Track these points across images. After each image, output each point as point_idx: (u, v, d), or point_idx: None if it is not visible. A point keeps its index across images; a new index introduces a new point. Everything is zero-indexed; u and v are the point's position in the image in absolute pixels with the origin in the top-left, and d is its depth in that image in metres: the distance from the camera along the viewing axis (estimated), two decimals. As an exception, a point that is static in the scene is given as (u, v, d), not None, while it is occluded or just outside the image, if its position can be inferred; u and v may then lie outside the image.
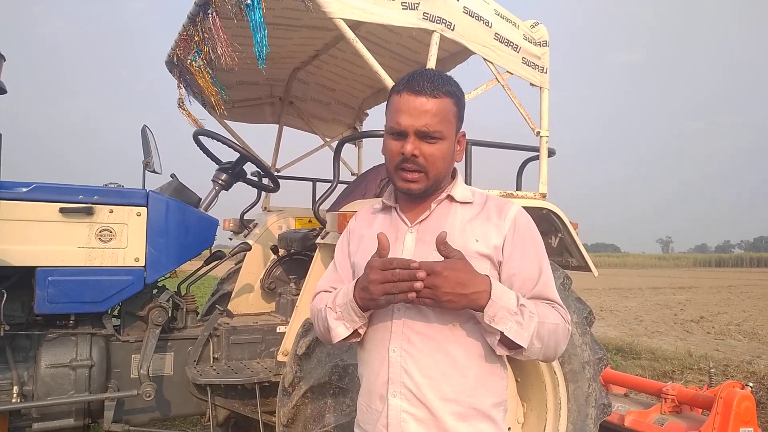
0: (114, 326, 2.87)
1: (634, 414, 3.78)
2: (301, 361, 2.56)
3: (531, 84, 3.17)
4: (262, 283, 4.02)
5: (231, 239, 4.46)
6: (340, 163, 3.15)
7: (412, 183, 1.39)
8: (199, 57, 2.80)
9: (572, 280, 3.06)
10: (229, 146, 3.23)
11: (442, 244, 1.25)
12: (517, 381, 3.07)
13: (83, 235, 2.65)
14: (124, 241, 2.73)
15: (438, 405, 1.33)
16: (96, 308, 2.71)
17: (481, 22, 2.81)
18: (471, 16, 2.76)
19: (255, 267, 4.07)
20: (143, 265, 2.77)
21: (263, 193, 4.27)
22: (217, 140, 3.23)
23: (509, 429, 2.99)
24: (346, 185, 3.90)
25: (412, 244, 1.41)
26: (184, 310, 3.12)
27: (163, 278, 2.95)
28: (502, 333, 1.25)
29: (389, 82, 2.57)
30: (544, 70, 3.19)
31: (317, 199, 3.20)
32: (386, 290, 1.24)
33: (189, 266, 3.20)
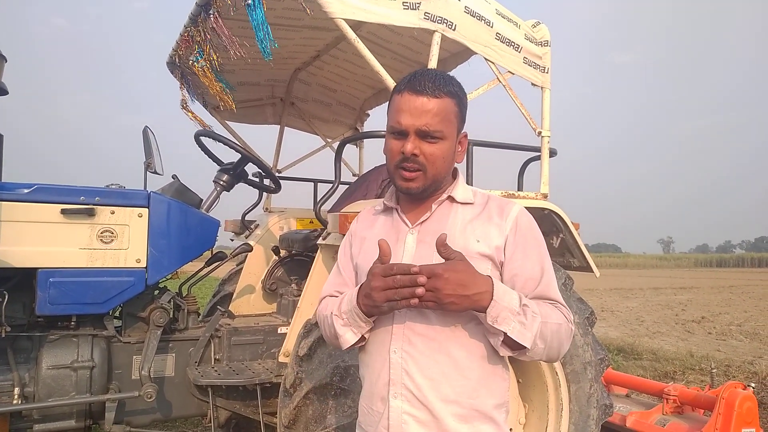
0: (115, 327, 2.87)
1: (635, 415, 3.78)
2: (302, 362, 2.55)
3: (532, 84, 3.17)
4: (263, 284, 4.02)
5: (232, 240, 4.46)
6: (342, 163, 3.15)
7: (410, 182, 1.38)
8: (201, 57, 2.80)
9: (574, 281, 3.05)
10: (230, 147, 3.23)
11: (442, 246, 1.25)
12: (518, 382, 3.07)
13: (84, 237, 2.65)
14: (125, 243, 2.73)
15: (439, 406, 1.32)
16: (97, 309, 2.71)
17: (483, 22, 2.81)
18: (472, 15, 2.76)
19: (256, 268, 4.07)
20: (144, 266, 2.77)
21: (264, 194, 4.27)
22: (219, 141, 3.23)
23: (510, 430, 2.98)
24: (348, 186, 3.90)
25: (413, 245, 1.41)
26: (186, 311, 3.12)
27: (164, 279, 2.94)
28: (505, 334, 1.24)
29: (390, 83, 2.57)
30: (546, 70, 3.19)
31: (318, 199, 3.19)
32: (388, 297, 1.24)
33: (190, 267, 3.20)
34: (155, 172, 3.13)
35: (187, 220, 2.95)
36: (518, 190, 3.29)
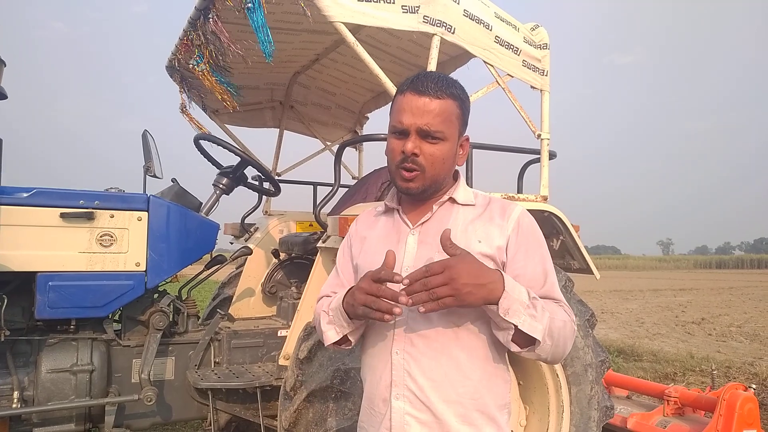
0: (115, 331, 2.87)
1: (636, 416, 3.77)
2: (302, 365, 2.55)
3: (531, 87, 3.17)
4: (263, 287, 4.02)
5: (232, 243, 4.46)
6: (341, 166, 3.15)
7: (410, 182, 1.39)
8: (202, 61, 2.80)
9: (574, 283, 3.05)
10: (229, 150, 3.23)
11: (447, 242, 1.25)
12: (519, 384, 3.07)
13: (84, 240, 2.65)
14: (124, 246, 2.73)
15: (442, 408, 1.32)
16: (97, 313, 2.71)
17: (482, 25, 2.81)
18: (471, 19, 2.76)
19: (256, 271, 4.07)
20: (144, 269, 2.77)
21: (264, 197, 4.27)
22: (218, 144, 3.23)
23: (511, 432, 2.98)
24: (347, 189, 3.90)
25: (414, 245, 1.41)
26: (185, 314, 3.12)
27: (164, 283, 2.94)
28: (515, 328, 1.23)
29: (390, 86, 2.57)
30: (545, 73, 3.19)
31: (318, 202, 3.19)
32: (366, 302, 1.25)
33: (190, 270, 3.20)
34: (155, 176, 3.13)
35: (187, 223, 2.95)
36: (518, 192, 3.29)
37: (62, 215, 2.60)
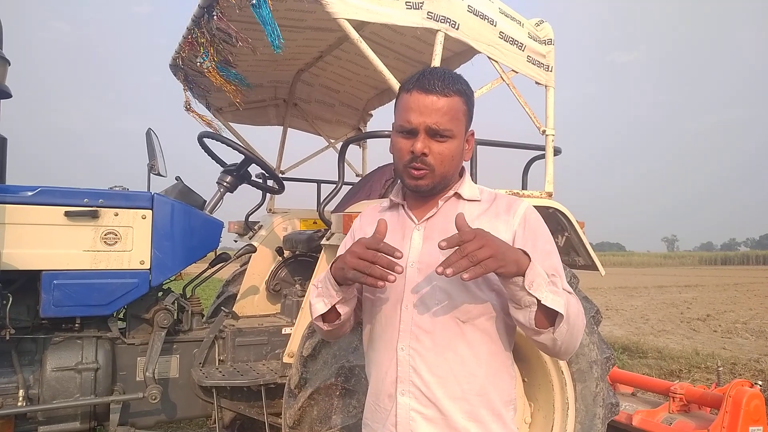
0: (119, 329, 2.87)
1: (642, 413, 3.76)
2: (307, 362, 2.55)
3: (536, 83, 3.16)
4: (267, 284, 4.02)
5: (236, 241, 4.46)
6: (345, 164, 3.14)
7: (420, 180, 1.37)
8: (207, 58, 2.80)
9: (579, 279, 3.04)
10: (233, 148, 3.23)
11: (463, 221, 1.23)
12: (524, 381, 3.06)
13: (88, 239, 2.65)
14: (129, 244, 2.73)
15: (447, 404, 1.32)
16: (101, 311, 2.71)
17: (486, 20, 2.80)
18: (475, 14, 2.75)
19: (260, 269, 4.06)
20: (148, 267, 2.77)
21: (268, 194, 4.27)
22: (222, 143, 3.23)
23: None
24: (351, 186, 3.90)
25: (419, 241, 1.41)
26: (190, 312, 3.12)
27: (168, 281, 2.95)
28: (537, 305, 1.20)
29: (394, 83, 2.56)
30: (550, 69, 3.18)
31: (322, 200, 3.19)
32: (358, 266, 1.23)
33: (194, 268, 3.20)
34: (159, 174, 3.13)
35: (191, 221, 2.95)
36: (523, 188, 3.28)
37: (67, 214, 2.61)
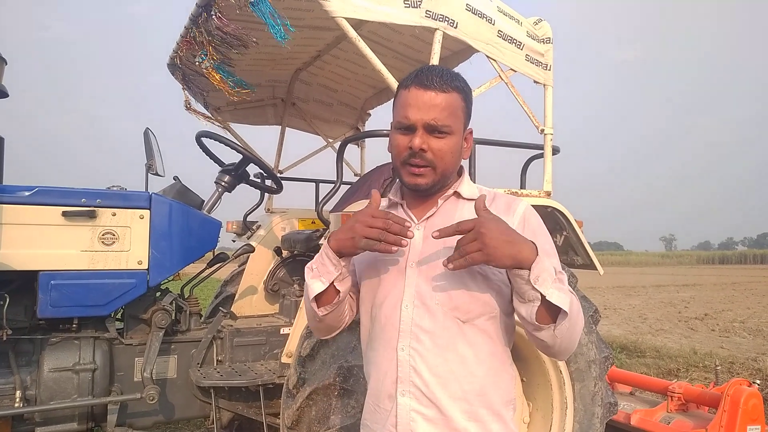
0: (117, 329, 2.86)
1: (640, 412, 3.76)
2: (305, 362, 2.54)
3: (535, 81, 3.15)
4: (265, 284, 4.01)
5: (234, 241, 4.45)
6: (343, 163, 3.13)
7: (419, 177, 1.37)
8: (206, 58, 2.79)
9: (578, 279, 3.04)
10: (231, 148, 3.22)
11: (482, 204, 1.24)
12: (522, 380, 3.06)
13: (86, 239, 2.64)
14: (127, 244, 2.72)
15: (448, 404, 1.31)
16: (99, 312, 2.70)
17: (484, 19, 2.80)
18: (474, 13, 2.74)
19: (258, 269, 4.06)
20: (146, 267, 2.76)
21: (266, 194, 4.26)
22: (220, 142, 3.22)
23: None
24: (350, 186, 3.89)
25: (419, 240, 1.40)
26: (188, 312, 3.11)
27: (166, 281, 2.94)
28: (541, 300, 1.20)
29: (392, 82, 2.55)
30: (548, 67, 3.17)
31: (320, 200, 3.18)
32: (370, 234, 1.25)
33: (192, 269, 3.19)
34: (156, 174, 3.13)
35: (189, 221, 2.94)
36: (521, 187, 3.28)
37: (64, 214, 2.59)
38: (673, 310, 13.93)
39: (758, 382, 3.82)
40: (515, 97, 3.02)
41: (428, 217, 1.42)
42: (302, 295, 2.97)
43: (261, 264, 4.07)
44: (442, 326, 1.33)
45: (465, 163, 1.53)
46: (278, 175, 4.26)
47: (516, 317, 1.33)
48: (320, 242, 2.91)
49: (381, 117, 5.15)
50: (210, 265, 3.30)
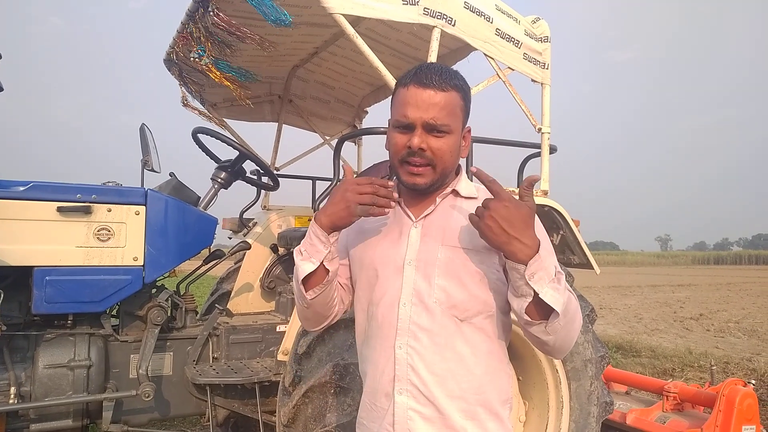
0: (112, 326, 2.85)
1: (636, 412, 3.76)
2: (301, 360, 2.54)
3: (532, 80, 3.15)
4: (261, 282, 4.00)
5: (230, 238, 4.44)
6: (340, 161, 3.13)
7: (418, 177, 1.36)
8: (204, 54, 2.78)
9: (574, 278, 3.04)
10: (228, 144, 3.21)
11: (530, 185, 1.24)
12: (519, 379, 3.05)
13: (81, 235, 2.62)
14: (122, 241, 2.71)
15: (445, 402, 1.31)
16: (94, 308, 2.69)
17: (482, 17, 2.79)
18: (472, 11, 2.74)
19: (255, 266, 4.04)
20: (142, 264, 2.75)
21: (263, 191, 4.24)
22: (217, 138, 3.21)
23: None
24: (346, 183, 3.87)
25: (417, 238, 1.39)
26: (184, 309, 3.10)
27: (162, 277, 2.92)
28: (533, 297, 1.20)
29: (389, 79, 2.55)
30: (546, 66, 3.17)
31: (317, 197, 3.18)
32: (363, 199, 1.29)
33: (188, 265, 3.18)
34: (152, 170, 3.11)
35: (185, 217, 2.93)
36: (518, 186, 3.27)
37: (59, 209, 2.58)
38: (669, 310, 13.97)
39: (753, 382, 3.83)
40: (513, 96, 3.01)
41: (426, 215, 1.42)
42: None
43: (257, 261, 4.06)
44: (440, 324, 1.32)
45: (462, 160, 1.53)
46: (275, 172, 4.25)
47: (513, 314, 1.33)
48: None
49: (378, 114, 5.14)
50: (206, 262, 3.29)
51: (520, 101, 3.04)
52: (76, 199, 2.62)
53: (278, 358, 2.85)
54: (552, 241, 3.15)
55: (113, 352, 2.82)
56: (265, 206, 4.48)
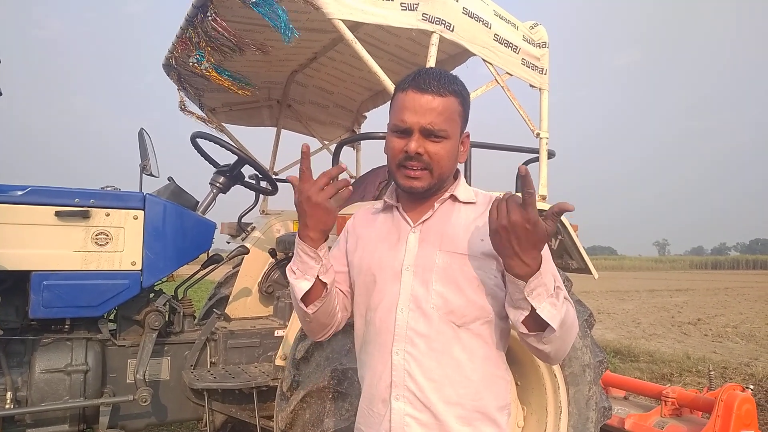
0: (110, 331, 2.84)
1: (634, 417, 3.77)
2: (299, 365, 2.53)
3: (530, 85, 3.16)
4: (260, 286, 4.00)
5: (228, 243, 4.43)
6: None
7: (415, 180, 1.36)
8: (204, 59, 2.78)
9: (572, 283, 3.04)
10: (227, 149, 3.21)
11: (558, 213, 1.16)
12: (517, 384, 3.05)
13: (79, 239, 2.62)
14: (120, 245, 2.70)
15: (442, 408, 1.30)
16: (92, 313, 2.68)
17: (481, 23, 2.80)
18: (470, 17, 2.75)
19: (253, 270, 4.04)
20: (140, 268, 2.75)
21: (261, 196, 4.24)
22: (215, 143, 3.21)
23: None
24: (345, 188, 3.87)
25: (415, 244, 1.39)
26: (181, 314, 3.09)
27: (159, 282, 2.92)
28: (531, 310, 1.20)
29: (388, 84, 2.55)
30: (544, 72, 3.18)
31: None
32: (329, 194, 1.27)
33: (186, 270, 3.18)
34: (151, 174, 3.11)
35: (183, 222, 2.92)
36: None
37: (57, 214, 2.57)
38: (667, 315, 13.97)
39: (751, 387, 3.83)
40: (511, 101, 3.02)
41: (424, 221, 1.42)
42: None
43: (255, 266, 4.05)
44: (437, 330, 1.32)
45: (461, 166, 1.53)
46: (273, 176, 4.25)
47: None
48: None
49: (377, 119, 5.15)
50: (204, 266, 3.29)
51: (518, 106, 3.04)
52: (74, 204, 2.62)
53: (276, 363, 2.84)
54: (550, 246, 3.15)
55: (110, 356, 2.81)
56: (263, 211, 4.48)
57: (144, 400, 2.65)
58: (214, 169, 3.34)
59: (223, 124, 4.29)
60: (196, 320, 3.24)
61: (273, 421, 2.74)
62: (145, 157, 3.10)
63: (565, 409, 2.91)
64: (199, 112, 4.17)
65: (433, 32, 2.62)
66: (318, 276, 1.34)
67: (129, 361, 2.83)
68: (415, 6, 2.56)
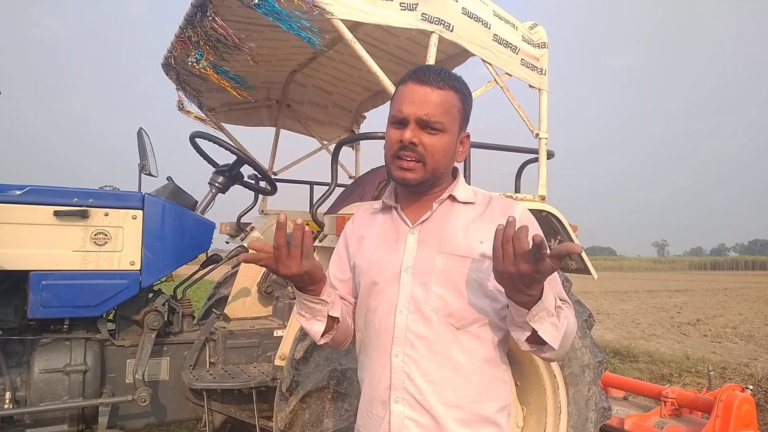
0: (109, 331, 2.84)
1: (633, 417, 3.77)
2: (298, 365, 2.53)
3: (530, 86, 3.16)
4: (259, 286, 3.99)
5: (228, 243, 4.43)
6: (338, 165, 3.13)
7: (408, 172, 1.35)
8: (202, 58, 2.78)
9: (572, 283, 3.04)
10: (226, 149, 3.21)
11: (563, 254, 1.09)
12: (516, 385, 3.05)
13: (78, 239, 2.62)
14: (119, 245, 2.70)
15: (441, 411, 1.30)
16: (91, 312, 2.68)
17: (480, 23, 2.80)
18: (470, 17, 2.74)
19: (252, 271, 4.03)
20: (139, 268, 2.74)
21: (260, 196, 4.24)
22: (214, 143, 3.20)
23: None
24: (344, 188, 3.88)
25: (413, 245, 1.39)
26: (180, 314, 3.09)
27: (159, 282, 2.92)
28: (533, 331, 1.20)
29: (387, 84, 2.55)
30: (543, 72, 3.18)
31: (315, 202, 3.17)
32: (290, 253, 1.24)
33: (185, 270, 3.17)
34: (150, 174, 3.10)
35: (182, 222, 2.92)
36: (516, 192, 3.28)
37: (56, 213, 2.57)
38: (666, 316, 13.97)
39: (751, 387, 3.83)
40: (510, 101, 3.02)
41: (423, 222, 1.41)
42: (295, 297, 2.95)
43: (254, 266, 4.04)
44: (436, 332, 1.32)
45: (460, 166, 1.53)
46: (273, 176, 4.25)
47: None
48: (314, 244, 2.89)
49: (376, 119, 5.16)
50: (203, 266, 3.29)
51: (517, 107, 3.04)
52: (73, 203, 2.62)
53: (275, 363, 2.84)
54: (550, 246, 3.15)
55: (109, 356, 2.81)
56: (262, 211, 4.48)
57: (143, 400, 2.64)
58: (213, 169, 3.34)
59: (222, 123, 4.29)
60: (195, 320, 3.24)
61: (272, 421, 2.74)
62: (144, 157, 3.10)
63: (565, 410, 2.91)
64: (198, 112, 4.16)
65: (432, 32, 2.62)
66: (329, 314, 1.37)
67: (128, 361, 2.83)
68: (414, 6, 2.55)
